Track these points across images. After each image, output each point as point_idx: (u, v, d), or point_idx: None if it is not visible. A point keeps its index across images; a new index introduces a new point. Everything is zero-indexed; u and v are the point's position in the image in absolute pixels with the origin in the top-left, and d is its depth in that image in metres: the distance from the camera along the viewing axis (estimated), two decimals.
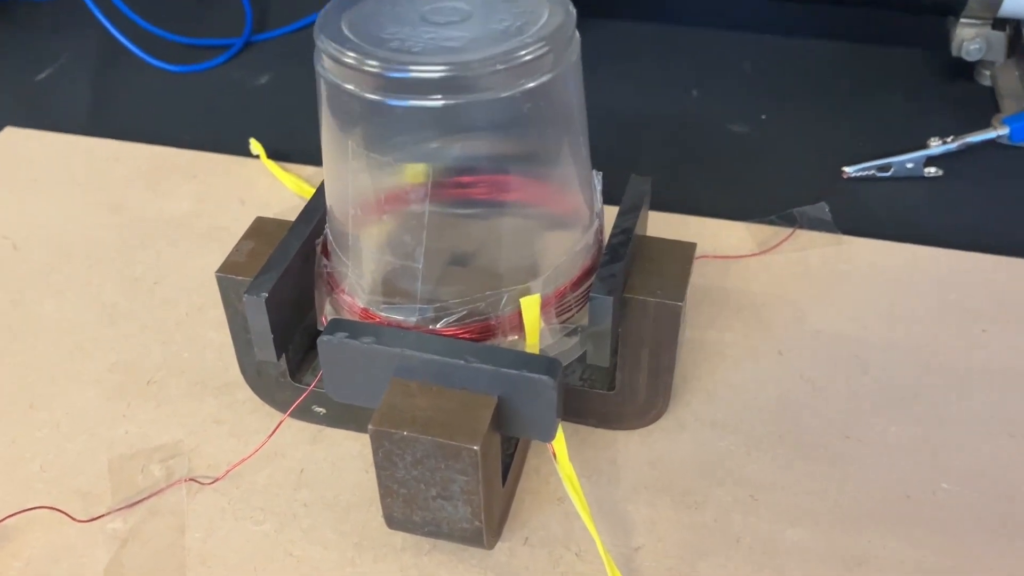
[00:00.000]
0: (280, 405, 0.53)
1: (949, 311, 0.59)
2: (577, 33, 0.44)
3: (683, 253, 0.49)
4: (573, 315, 0.47)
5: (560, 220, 0.47)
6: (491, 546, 0.45)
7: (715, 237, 0.65)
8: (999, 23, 0.77)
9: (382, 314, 0.45)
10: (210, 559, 0.47)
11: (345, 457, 0.51)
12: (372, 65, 0.40)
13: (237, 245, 0.50)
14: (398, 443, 0.41)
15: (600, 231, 0.48)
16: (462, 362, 0.42)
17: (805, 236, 0.65)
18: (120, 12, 0.86)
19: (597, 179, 0.48)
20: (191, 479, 0.50)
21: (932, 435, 0.52)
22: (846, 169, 0.72)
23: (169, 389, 0.55)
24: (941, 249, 0.64)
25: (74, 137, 0.77)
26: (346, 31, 0.42)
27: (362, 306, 0.46)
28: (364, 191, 0.44)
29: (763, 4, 0.95)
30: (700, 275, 0.62)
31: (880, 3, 0.85)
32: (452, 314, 0.44)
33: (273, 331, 0.46)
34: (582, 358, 0.47)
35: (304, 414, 0.52)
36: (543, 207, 0.46)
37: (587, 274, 0.47)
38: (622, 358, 0.49)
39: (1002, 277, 0.62)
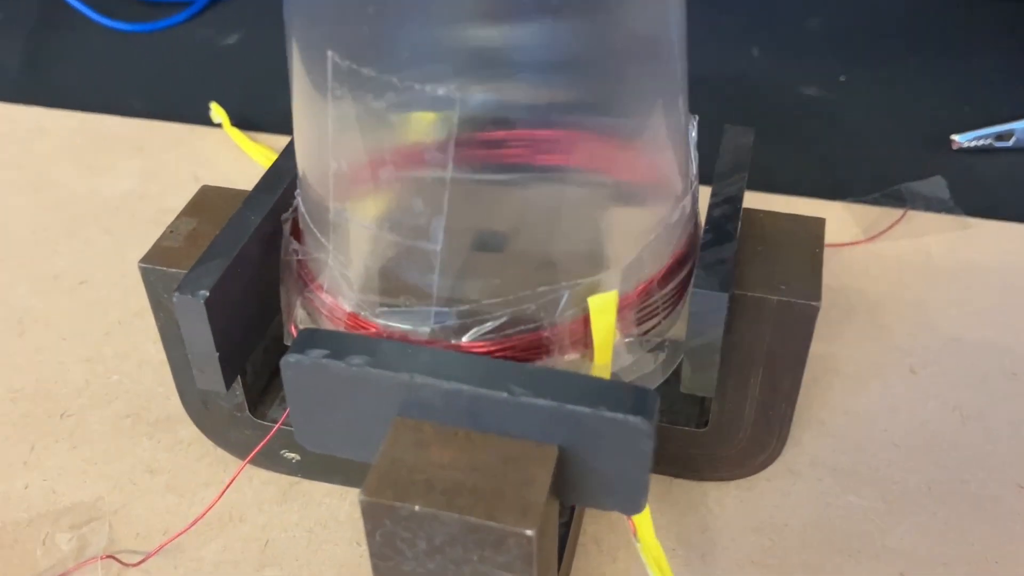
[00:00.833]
0: (237, 448, 0.39)
1: None
2: None
3: (809, 232, 0.35)
4: (660, 323, 0.32)
5: (642, 189, 0.32)
6: None
7: None
8: None
9: (380, 321, 0.31)
10: None
11: (328, 522, 0.38)
12: None
13: (173, 224, 0.36)
14: (406, 522, 0.27)
15: (695, 201, 0.34)
16: (504, 394, 0.27)
17: (920, 219, 0.52)
18: None
19: (692, 126, 0.33)
20: (110, 556, 0.37)
21: None
22: (955, 138, 0.58)
23: (89, 425, 0.42)
24: None
25: None
26: None
27: (350, 309, 0.31)
28: (352, 138, 0.29)
29: None
30: None
31: None
32: (486, 321, 0.29)
33: (219, 347, 0.32)
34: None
35: (271, 461, 0.39)
36: (619, 171, 0.31)
37: (680, 263, 0.32)
38: (721, 382, 0.34)
39: None
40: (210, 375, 0.33)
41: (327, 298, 0.32)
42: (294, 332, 0.34)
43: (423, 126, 0.28)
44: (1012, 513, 0.37)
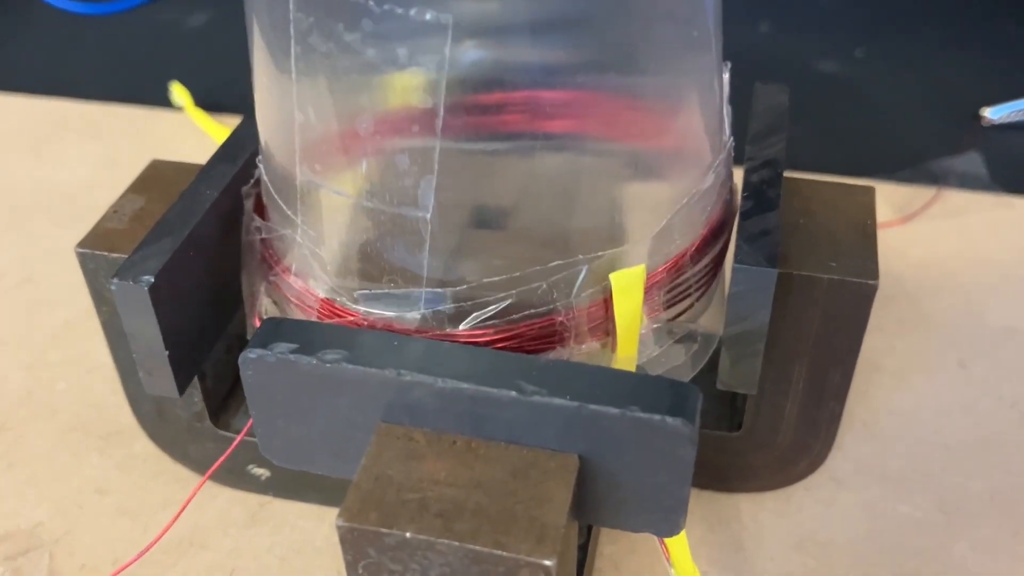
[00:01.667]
0: (197, 464, 0.35)
1: None
2: None
3: (857, 203, 0.30)
4: (692, 306, 0.27)
5: (669, 151, 0.27)
6: None
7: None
8: None
9: (359, 308, 0.26)
10: None
11: (303, 549, 0.34)
12: None
13: (117, 203, 0.31)
14: (395, 551, 0.22)
15: (730, 162, 0.29)
16: (512, 393, 0.22)
17: (957, 198, 0.48)
18: None
19: (725, 73, 0.28)
20: None
21: None
22: (986, 113, 0.54)
23: (30, 439, 0.38)
24: None
25: None
26: None
27: (323, 295, 0.26)
28: (320, 83, 0.24)
29: None
30: None
31: None
32: (487, 304, 0.24)
33: (169, 344, 0.27)
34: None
35: (237, 478, 0.35)
36: (640, 134, 0.26)
37: (715, 234, 0.27)
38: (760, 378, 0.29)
39: None
40: (160, 378, 0.28)
41: (296, 282, 0.27)
42: (258, 324, 0.28)
43: (406, 78, 0.23)
44: None
